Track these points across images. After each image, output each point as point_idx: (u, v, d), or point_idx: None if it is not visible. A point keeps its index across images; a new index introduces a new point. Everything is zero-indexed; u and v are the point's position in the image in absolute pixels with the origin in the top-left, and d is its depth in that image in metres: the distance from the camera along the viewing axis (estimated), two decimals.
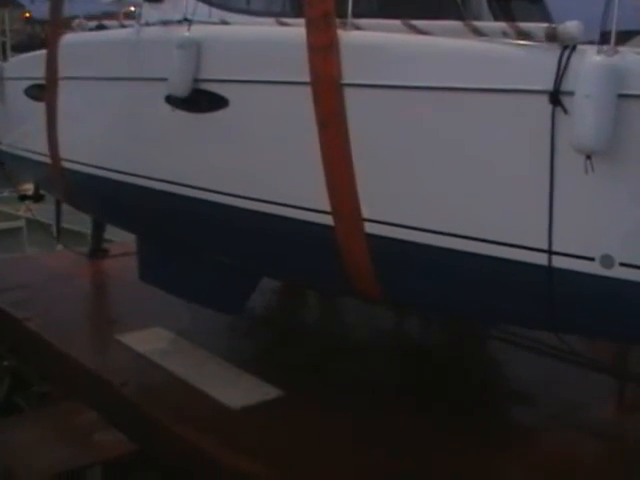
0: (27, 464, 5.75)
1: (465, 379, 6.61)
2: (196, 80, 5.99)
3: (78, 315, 8.68)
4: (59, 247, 10.47)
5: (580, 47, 4.27)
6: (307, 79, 5.18)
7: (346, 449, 5.54)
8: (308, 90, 5.18)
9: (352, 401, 6.10)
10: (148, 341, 7.57)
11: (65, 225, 11.04)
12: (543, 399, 6.33)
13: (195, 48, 5.99)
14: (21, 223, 13.23)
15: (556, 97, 4.21)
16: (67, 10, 8.54)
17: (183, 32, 6.09)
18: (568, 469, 5.26)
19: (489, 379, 7.00)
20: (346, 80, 5.06)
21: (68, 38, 8.08)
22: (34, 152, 8.73)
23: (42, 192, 10.42)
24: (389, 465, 5.29)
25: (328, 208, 5.26)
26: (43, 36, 8.56)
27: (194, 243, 6.88)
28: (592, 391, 6.33)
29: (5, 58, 9.70)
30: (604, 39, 4.15)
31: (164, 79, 6.12)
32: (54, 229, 10.70)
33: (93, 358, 7.47)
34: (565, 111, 4.19)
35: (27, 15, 34.15)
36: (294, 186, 5.63)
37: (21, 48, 10.06)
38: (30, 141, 8.87)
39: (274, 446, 5.67)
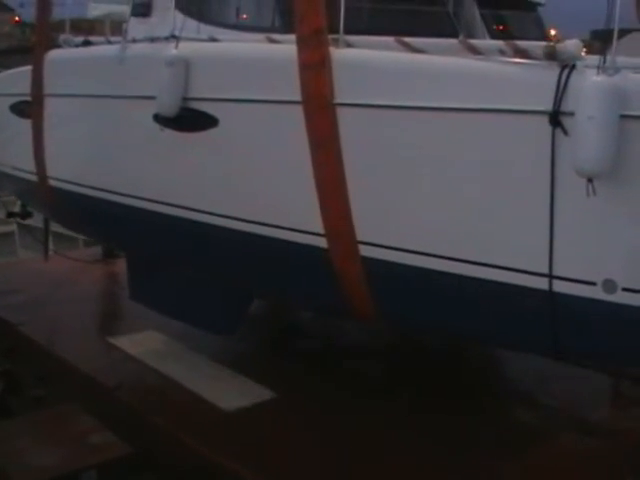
0: (22, 468, 5.71)
1: (464, 376, 6.62)
2: (185, 99, 5.84)
3: (72, 319, 8.63)
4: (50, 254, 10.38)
5: (580, 66, 4.15)
6: (298, 98, 5.04)
7: (342, 449, 5.54)
8: (300, 109, 5.03)
9: (348, 401, 6.10)
10: (142, 344, 7.55)
11: (57, 229, 11.02)
12: (542, 397, 6.34)
13: (183, 66, 5.81)
14: (12, 227, 13.17)
15: (556, 118, 4.09)
16: (56, 13, 8.37)
17: (171, 49, 5.91)
18: (568, 468, 5.24)
19: (488, 377, 7.01)
20: (338, 99, 4.90)
21: (54, 54, 7.87)
22: (20, 170, 8.54)
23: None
24: (387, 464, 5.31)
25: (322, 230, 5.12)
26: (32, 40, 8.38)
27: (183, 263, 6.75)
28: (591, 389, 6.33)
29: None
30: (596, 36, 4.13)
31: (152, 97, 5.95)
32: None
33: (87, 361, 7.42)
34: (565, 132, 4.08)
35: (17, 19, 34.05)
36: (286, 207, 5.48)
37: (10, 52, 9.91)
38: (16, 158, 8.67)
39: (269, 448, 5.66)
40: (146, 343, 7.52)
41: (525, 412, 6.22)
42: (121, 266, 8.58)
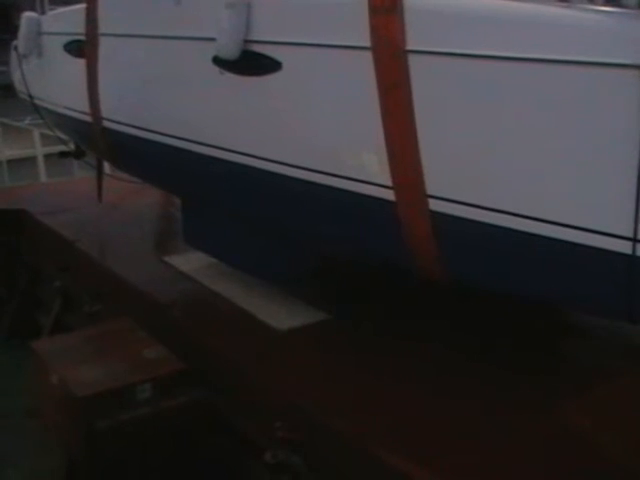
0: (80, 380, 5.84)
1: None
2: (246, 41, 5.57)
3: (127, 237, 8.74)
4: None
5: None
6: (367, 44, 4.75)
7: (388, 375, 5.54)
8: (369, 55, 4.75)
9: (398, 328, 6.08)
10: (195, 264, 7.60)
11: None
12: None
13: (245, 7, 5.55)
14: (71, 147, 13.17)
15: None
16: None
17: None
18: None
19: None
20: (411, 46, 4.59)
21: None
22: (74, 110, 8.38)
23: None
24: (432, 397, 5.27)
25: (389, 182, 4.87)
26: None
27: (240, 211, 6.59)
28: None
29: (43, 11, 9.23)
30: None
31: (211, 39, 5.73)
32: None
33: (141, 279, 7.53)
34: None
35: None
36: (351, 157, 5.21)
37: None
38: (69, 98, 8.50)
39: (319, 368, 5.72)
40: (200, 262, 7.55)
41: (589, 348, 6.05)
42: None
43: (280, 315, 6.45)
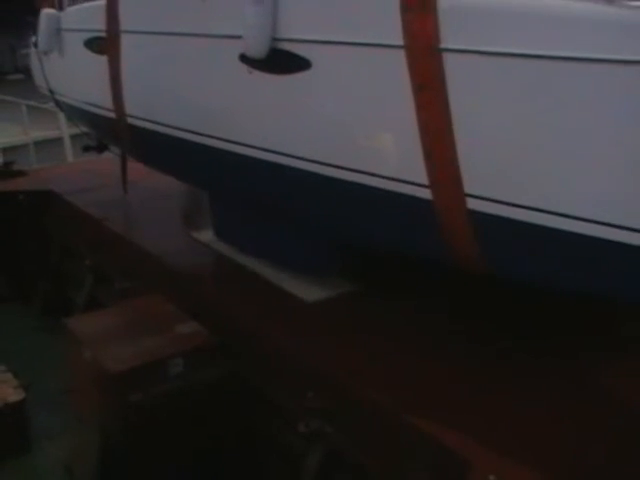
0: (113, 355, 5.86)
1: None
2: (274, 39, 5.43)
3: (155, 214, 8.75)
4: None
5: None
6: (400, 42, 4.59)
7: (418, 344, 5.52)
8: (401, 54, 4.60)
9: (427, 299, 6.04)
10: None
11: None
12: None
13: (271, 4, 5.39)
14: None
15: None
16: None
17: None
18: None
19: None
20: (445, 44, 4.43)
21: None
22: (96, 106, 8.27)
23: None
24: (463, 365, 5.26)
25: (425, 181, 4.74)
26: None
27: (269, 207, 6.53)
28: None
29: (61, 7, 8.99)
30: None
31: (237, 36, 5.59)
32: None
33: (170, 254, 7.53)
34: None
35: None
36: (385, 156, 5.09)
37: None
38: (91, 94, 8.39)
39: (349, 338, 5.68)
40: None
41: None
42: None
43: (308, 287, 6.42)
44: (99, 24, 7.63)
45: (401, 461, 4.74)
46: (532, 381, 5.04)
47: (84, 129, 9.97)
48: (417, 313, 5.88)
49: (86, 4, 8.42)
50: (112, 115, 7.86)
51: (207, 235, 7.71)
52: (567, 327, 5.57)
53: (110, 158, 9.77)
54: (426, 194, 4.77)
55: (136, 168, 9.04)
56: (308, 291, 6.37)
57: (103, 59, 7.66)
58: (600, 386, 4.97)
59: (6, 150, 15.30)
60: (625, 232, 4.08)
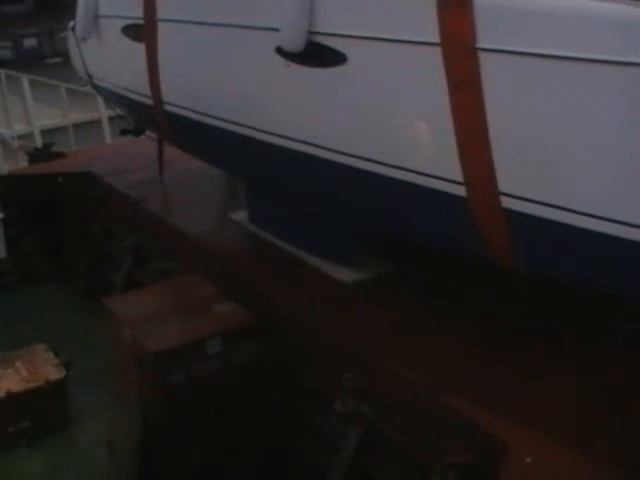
0: (151, 335, 5.92)
1: None
2: (311, 33, 5.39)
3: (191, 195, 8.78)
4: None
5: None
6: (436, 39, 4.53)
7: (453, 325, 5.50)
8: (438, 51, 4.54)
9: (463, 281, 5.99)
10: None
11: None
12: None
13: None
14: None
15: None
16: None
17: None
18: None
19: None
20: (481, 44, 4.36)
21: None
22: (134, 91, 8.25)
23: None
24: (496, 345, 5.25)
25: (460, 178, 4.70)
26: None
27: (304, 198, 6.57)
28: None
29: None
30: None
31: (273, 29, 5.57)
32: None
33: (208, 235, 7.59)
34: None
35: None
36: (420, 152, 5.07)
37: None
38: (129, 80, 8.37)
39: (384, 319, 5.67)
40: None
41: None
42: None
43: (344, 268, 6.41)
44: (137, 11, 7.58)
45: (437, 441, 4.73)
46: (569, 363, 5.01)
47: (121, 112, 10.02)
48: (454, 295, 5.85)
49: None
50: (149, 102, 7.87)
51: (244, 216, 7.73)
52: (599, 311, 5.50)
53: (147, 140, 9.78)
54: (460, 191, 4.74)
55: (174, 149, 9.06)
56: (344, 272, 6.37)
57: (140, 46, 7.64)
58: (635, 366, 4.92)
59: (45, 133, 15.42)
60: None
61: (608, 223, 4.18)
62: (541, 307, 5.57)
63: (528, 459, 4.21)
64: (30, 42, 30.81)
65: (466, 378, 4.92)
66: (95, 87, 9.86)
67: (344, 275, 6.35)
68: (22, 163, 12.79)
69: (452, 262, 5.87)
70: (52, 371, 7.38)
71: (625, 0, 3.93)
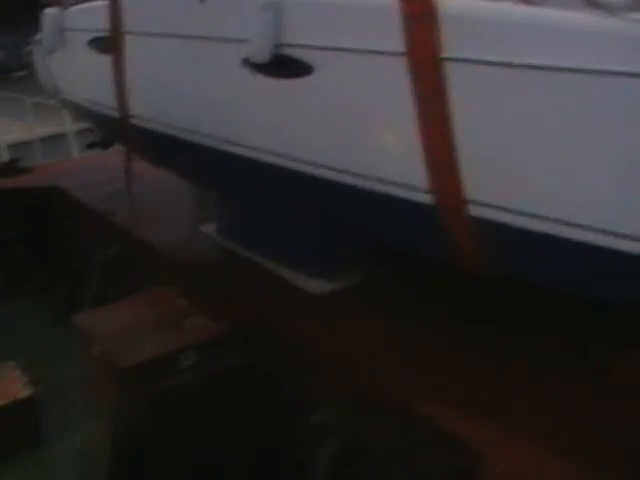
0: (122, 350, 5.86)
1: None
2: (277, 45, 5.43)
3: (160, 208, 8.75)
4: None
5: None
6: (402, 49, 4.57)
7: (426, 333, 5.51)
8: (404, 61, 4.58)
9: (431, 290, 6.00)
10: None
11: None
12: None
13: (276, 11, 5.37)
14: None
15: None
16: None
17: None
18: None
19: None
20: (447, 54, 4.42)
21: None
22: (100, 104, 8.27)
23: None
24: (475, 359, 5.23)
25: (428, 186, 4.76)
26: None
27: (270, 206, 6.57)
28: None
29: (64, 6, 8.83)
30: None
31: (240, 40, 5.60)
32: None
33: (177, 248, 7.55)
34: None
35: None
36: (387, 161, 5.09)
37: None
38: (96, 93, 8.36)
39: (358, 330, 5.67)
40: None
41: None
42: None
43: (315, 279, 6.40)
44: (103, 24, 7.58)
45: (413, 451, 4.73)
46: (542, 371, 5.02)
47: (89, 125, 9.96)
48: (428, 306, 5.87)
49: (89, 4, 8.39)
50: (116, 114, 7.85)
51: (213, 228, 7.70)
52: (575, 318, 5.54)
53: (115, 152, 9.72)
54: (428, 199, 4.79)
55: (142, 162, 9.01)
56: (315, 284, 6.36)
57: (107, 59, 7.64)
58: (614, 374, 4.96)
59: (11, 147, 15.27)
60: (616, 238, 4.10)
61: (571, 228, 4.25)
62: (514, 314, 5.59)
63: (503, 465, 4.22)
64: None
65: (441, 388, 4.91)
66: (61, 100, 9.80)
67: (315, 286, 6.34)
68: None
69: (422, 273, 5.91)
70: (21, 389, 7.28)
71: (588, 9, 3.99)
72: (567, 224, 4.26)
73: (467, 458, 4.40)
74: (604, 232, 4.14)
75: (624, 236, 4.08)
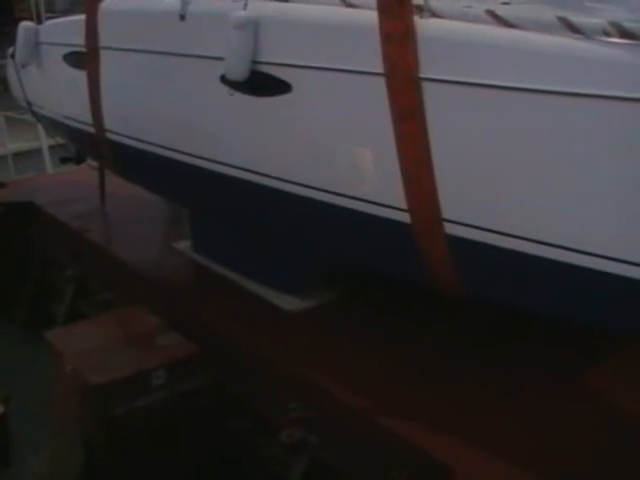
0: (93, 368, 5.80)
1: None
2: (255, 62, 5.42)
3: (134, 225, 8.69)
4: None
5: None
6: (379, 69, 4.59)
7: (402, 353, 5.52)
8: (381, 81, 4.59)
9: (402, 308, 6.00)
10: None
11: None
12: None
13: (253, 28, 5.36)
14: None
15: None
16: None
17: (239, 11, 5.43)
18: None
19: None
20: (424, 74, 4.44)
21: (108, 4, 7.31)
22: (74, 120, 8.25)
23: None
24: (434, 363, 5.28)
25: (404, 205, 4.75)
26: None
27: (248, 225, 6.58)
28: None
29: (39, 20, 8.93)
30: None
31: (218, 58, 5.58)
32: None
33: (150, 266, 7.51)
34: None
35: None
36: (364, 180, 5.13)
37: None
38: (71, 108, 8.33)
39: (332, 348, 5.68)
40: None
41: None
42: None
43: (289, 297, 6.40)
44: (78, 39, 7.56)
45: (384, 468, 4.71)
46: (512, 386, 5.05)
47: (61, 140, 9.88)
48: (401, 322, 5.87)
49: (65, 18, 8.37)
50: (91, 130, 7.80)
51: (187, 245, 7.66)
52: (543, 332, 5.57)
53: (89, 168, 9.65)
54: (405, 218, 4.79)
55: (116, 178, 8.96)
56: (289, 301, 6.36)
57: (82, 74, 7.61)
58: (581, 388, 4.99)
59: None
60: (591, 258, 4.13)
61: (550, 248, 4.26)
62: (485, 330, 5.61)
63: None
64: None
65: (412, 405, 4.92)
66: (35, 115, 9.75)
67: (289, 304, 6.34)
68: None
69: (397, 290, 5.91)
70: None
71: (565, 33, 4.05)
72: (546, 244, 4.28)
73: (439, 474, 4.38)
74: (585, 253, 4.15)
75: (608, 258, 4.09)
